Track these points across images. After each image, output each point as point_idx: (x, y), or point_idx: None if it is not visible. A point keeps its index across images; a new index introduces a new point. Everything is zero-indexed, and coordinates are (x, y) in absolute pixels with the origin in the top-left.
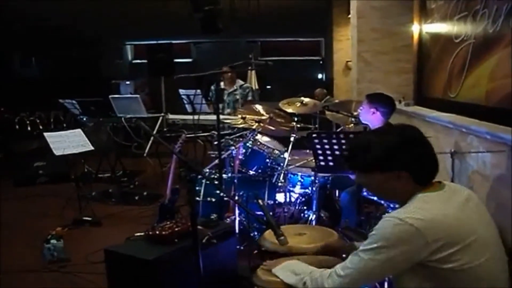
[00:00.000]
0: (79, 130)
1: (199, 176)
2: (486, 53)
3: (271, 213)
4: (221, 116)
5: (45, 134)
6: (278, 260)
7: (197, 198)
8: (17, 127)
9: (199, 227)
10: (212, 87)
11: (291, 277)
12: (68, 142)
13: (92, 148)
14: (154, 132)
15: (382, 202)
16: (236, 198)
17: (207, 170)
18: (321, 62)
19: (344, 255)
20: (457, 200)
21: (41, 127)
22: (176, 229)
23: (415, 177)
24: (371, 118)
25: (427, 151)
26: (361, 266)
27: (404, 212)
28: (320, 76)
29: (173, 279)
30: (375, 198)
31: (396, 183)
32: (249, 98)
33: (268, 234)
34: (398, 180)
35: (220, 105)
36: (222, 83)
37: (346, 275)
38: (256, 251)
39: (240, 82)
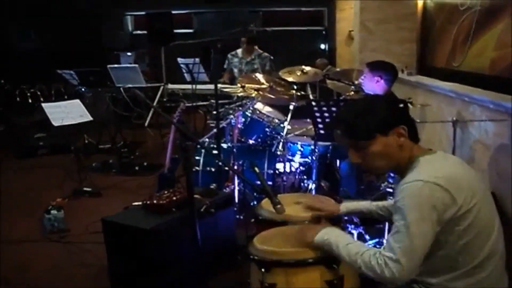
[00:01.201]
0: (77, 100)
1: (198, 146)
2: (492, 21)
3: (270, 183)
4: (220, 85)
5: (43, 104)
6: (273, 230)
7: (197, 168)
8: (18, 99)
9: (197, 196)
10: (229, 56)
11: (335, 252)
12: (66, 112)
13: (91, 118)
14: (155, 102)
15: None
16: (235, 167)
17: (206, 140)
18: (324, 32)
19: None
20: (455, 160)
21: (42, 99)
22: (174, 198)
23: (410, 131)
24: (375, 86)
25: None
26: (412, 245)
27: (422, 173)
28: (322, 46)
29: (171, 248)
30: None
31: (397, 143)
32: (267, 68)
33: (265, 202)
34: (399, 138)
35: (236, 74)
36: (239, 51)
37: (403, 260)
38: (253, 220)
39: (258, 51)
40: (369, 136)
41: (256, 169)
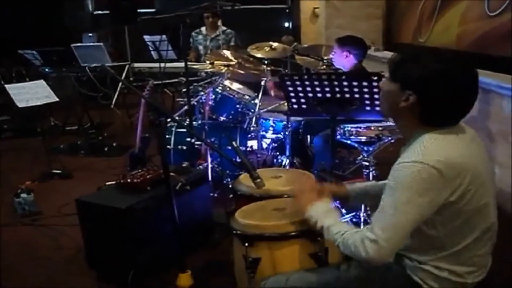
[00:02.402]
0: (42, 81)
1: (169, 123)
2: None
3: None
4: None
5: (7, 86)
6: (254, 204)
7: (168, 146)
8: None
9: (172, 174)
10: (193, 34)
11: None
12: (31, 93)
13: (57, 99)
14: (120, 82)
15: (356, 145)
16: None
17: (176, 118)
18: (287, 10)
19: None
20: (465, 139)
21: (2, 82)
22: (148, 176)
23: (423, 112)
24: (345, 61)
25: (459, 98)
26: (395, 226)
27: (421, 154)
28: (286, 24)
29: (147, 226)
30: (349, 142)
31: (406, 110)
32: (232, 43)
33: (243, 177)
34: (405, 103)
35: (202, 51)
36: (203, 28)
37: (381, 240)
38: (231, 196)
39: (223, 27)
40: (391, 78)
41: (234, 143)
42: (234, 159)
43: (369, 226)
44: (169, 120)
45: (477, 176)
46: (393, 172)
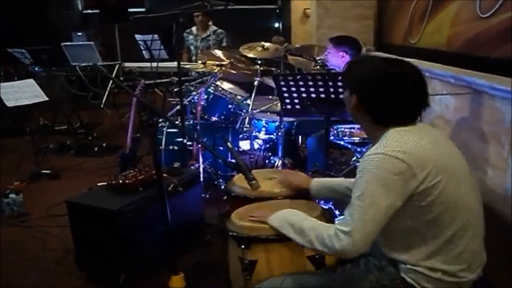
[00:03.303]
0: (31, 80)
1: (160, 122)
2: None
3: (233, 160)
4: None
5: None
6: (250, 205)
7: (159, 147)
8: None
9: (164, 175)
10: (184, 34)
11: (290, 231)
12: (20, 93)
13: (47, 98)
14: (110, 82)
15: (349, 146)
16: (199, 146)
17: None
18: (277, 10)
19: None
20: (430, 134)
21: None
22: (140, 177)
23: (368, 112)
24: (340, 62)
25: (398, 96)
26: (365, 217)
27: (383, 147)
28: (276, 25)
29: (139, 228)
30: (342, 143)
31: (357, 111)
32: (223, 44)
33: (238, 179)
34: (356, 108)
35: (193, 51)
36: (194, 28)
37: (353, 232)
38: (225, 197)
39: (213, 27)
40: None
41: (229, 144)
42: (228, 160)
43: (342, 219)
44: (160, 120)
45: (445, 169)
46: (359, 166)
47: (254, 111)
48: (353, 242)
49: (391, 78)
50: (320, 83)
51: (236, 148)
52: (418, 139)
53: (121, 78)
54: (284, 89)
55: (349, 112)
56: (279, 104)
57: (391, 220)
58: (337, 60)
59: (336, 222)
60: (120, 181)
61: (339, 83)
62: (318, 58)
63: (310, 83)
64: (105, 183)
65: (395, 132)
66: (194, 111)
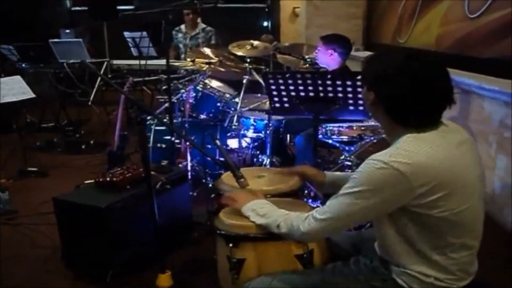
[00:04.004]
0: (18, 76)
1: (148, 120)
2: None
3: (222, 158)
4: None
5: None
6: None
7: (147, 145)
8: None
9: (152, 172)
10: (173, 32)
11: (262, 219)
12: (7, 89)
13: (34, 95)
14: (98, 79)
15: (337, 145)
16: (188, 143)
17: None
18: (266, 9)
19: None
20: (450, 142)
21: None
22: (128, 175)
23: (388, 110)
24: (329, 60)
25: (419, 96)
26: (341, 209)
27: (390, 155)
28: (265, 23)
29: (127, 226)
30: (330, 142)
31: (375, 109)
32: (212, 42)
33: (226, 177)
34: (374, 105)
35: (182, 49)
36: (183, 26)
37: (325, 219)
38: (213, 195)
39: (202, 25)
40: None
41: (218, 142)
42: (217, 158)
43: (320, 207)
44: (148, 117)
45: (453, 183)
46: (361, 165)
47: (243, 109)
48: (318, 229)
49: (412, 75)
50: (309, 81)
51: (224, 146)
52: (432, 150)
53: (109, 76)
54: (273, 87)
55: (367, 108)
56: (267, 103)
57: (389, 226)
58: (326, 58)
59: (315, 209)
60: (108, 179)
61: (328, 82)
62: (307, 56)
63: (299, 81)
64: (92, 181)
65: (410, 138)
66: (182, 109)
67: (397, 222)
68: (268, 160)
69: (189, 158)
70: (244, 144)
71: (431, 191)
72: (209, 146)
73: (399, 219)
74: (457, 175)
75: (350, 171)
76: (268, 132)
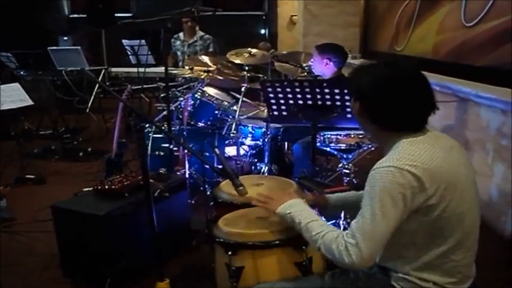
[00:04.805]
0: (17, 84)
1: (146, 128)
2: (434, 5)
3: (220, 166)
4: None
5: None
6: (237, 212)
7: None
8: None
9: (150, 180)
10: (172, 39)
11: (297, 227)
12: (5, 96)
13: (32, 103)
14: (96, 87)
15: (335, 153)
16: (186, 151)
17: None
18: (264, 17)
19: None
20: (442, 146)
21: None
22: (126, 182)
23: (373, 118)
24: (325, 69)
25: (403, 98)
26: (375, 231)
27: (396, 159)
28: (263, 31)
29: (125, 233)
30: (328, 150)
31: (362, 118)
32: (210, 49)
33: (224, 185)
34: (360, 114)
35: (180, 57)
36: (181, 34)
37: (363, 246)
38: (211, 203)
39: (200, 33)
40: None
41: (217, 150)
42: (215, 166)
43: (350, 232)
44: (147, 125)
45: (455, 184)
46: (370, 178)
47: (241, 117)
48: (361, 256)
49: (392, 82)
50: (307, 89)
51: (222, 154)
52: (430, 151)
53: (107, 83)
54: (271, 95)
55: (358, 120)
56: (265, 111)
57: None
58: (321, 67)
59: (345, 234)
60: (107, 187)
61: (326, 90)
62: (304, 65)
63: (297, 89)
64: (91, 188)
65: (407, 142)
66: (180, 116)
67: (405, 230)
68: (266, 168)
69: (187, 165)
70: (242, 152)
71: (439, 190)
72: (207, 153)
73: (406, 226)
74: (456, 176)
75: (347, 179)
76: (266, 140)
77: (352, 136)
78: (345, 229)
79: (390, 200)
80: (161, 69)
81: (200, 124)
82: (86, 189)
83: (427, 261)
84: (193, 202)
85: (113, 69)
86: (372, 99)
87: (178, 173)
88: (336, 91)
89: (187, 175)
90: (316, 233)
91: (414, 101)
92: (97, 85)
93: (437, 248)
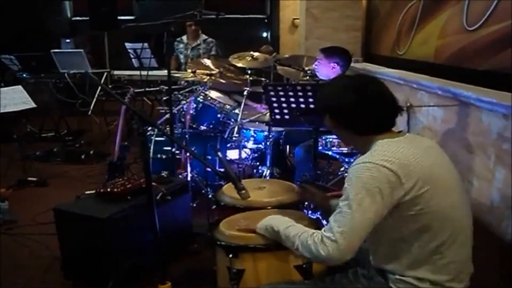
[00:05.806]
0: (20, 86)
1: (149, 131)
2: (437, 9)
3: (222, 169)
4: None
5: None
6: (239, 215)
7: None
8: None
9: (153, 183)
10: (175, 43)
11: (277, 238)
12: (8, 99)
13: (35, 105)
14: (99, 89)
15: (337, 157)
16: (188, 154)
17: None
18: (265, 20)
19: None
20: (419, 145)
21: None
22: (129, 186)
23: (345, 125)
24: (330, 72)
25: (367, 100)
26: (351, 223)
27: (372, 156)
28: (265, 34)
29: (127, 236)
30: (330, 153)
31: (337, 130)
32: (213, 53)
33: (227, 188)
34: (334, 126)
35: (182, 60)
36: (184, 37)
37: (340, 238)
38: (214, 207)
39: (203, 36)
40: (319, 112)
41: (219, 153)
42: (218, 169)
43: (327, 226)
44: (149, 128)
45: (433, 179)
46: (348, 175)
47: (243, 121)
48: (338, 249)
49: (354, 88)
50: (309, 93)
51: (224, 157)
52: (406, 149)
53: (110, 86)
54: (274, 99)
55: (335, 134)
56: (268, 114)
57: (379, 230)
58: (328, 71)
59: (323, 228)
60: (109, 189)
61: None
62: (307, 68)
63: (300, 93)
64: (93, 191)
65: (383, 142)
66: (183, 120)
67: (392, 227)
68: (268, 171)
69: (189, 169)
70: (244, 155)
71: (417, 185)
72: (209, 157)
73: (393, 223)
74: (435, 172)
75: None
76: (268, 143)
77: None
78: None
79: (367, 194)
80: (164, 72)
81: (202, 127)
82: (88, 192)
83: (420, 257)
84: (195, 205)
85: (116, 72)
86: (338, 107)
87: (180, 176)
88: None
89: (189, 178)
90: (293, 235)
91: (376, 102)
92: (99, 88)
93: (428, 244)
